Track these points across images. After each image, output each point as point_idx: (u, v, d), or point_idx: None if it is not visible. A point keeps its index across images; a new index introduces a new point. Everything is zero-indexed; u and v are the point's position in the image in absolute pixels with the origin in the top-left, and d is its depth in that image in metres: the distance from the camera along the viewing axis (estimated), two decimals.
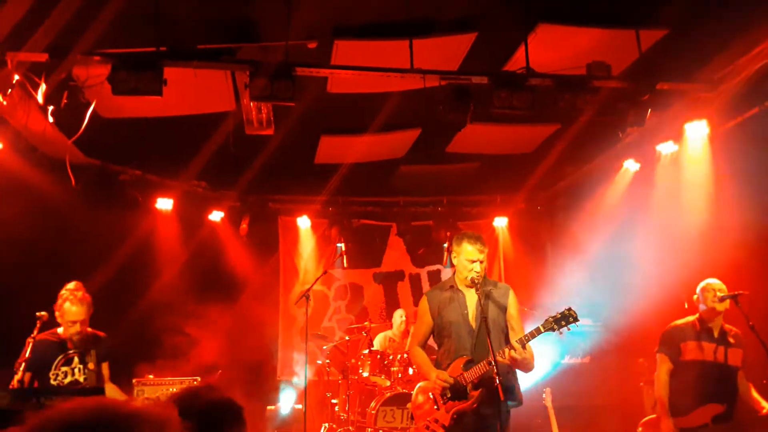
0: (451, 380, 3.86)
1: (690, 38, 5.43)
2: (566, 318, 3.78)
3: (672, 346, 4.69)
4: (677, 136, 6.60)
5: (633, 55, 5.66)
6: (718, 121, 6.19)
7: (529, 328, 3.99)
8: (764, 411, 4.41)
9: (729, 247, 5.70)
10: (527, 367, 3.88)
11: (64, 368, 4.39)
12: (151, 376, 6.25)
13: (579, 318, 3.78)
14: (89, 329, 4.56)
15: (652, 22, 5.33)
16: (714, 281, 4.73)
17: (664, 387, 4.65)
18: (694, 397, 4.51)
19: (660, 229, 6.85)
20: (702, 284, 4.79)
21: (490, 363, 3.61)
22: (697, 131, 6.33)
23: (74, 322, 4.36)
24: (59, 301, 4.39)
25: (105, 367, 4.57)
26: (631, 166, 7.54)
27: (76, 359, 4.43)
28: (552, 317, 3.80)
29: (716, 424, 4.41)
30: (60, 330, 4.46)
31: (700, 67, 5.80)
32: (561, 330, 3.77)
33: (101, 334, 4.65)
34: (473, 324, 3.98)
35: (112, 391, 4.53)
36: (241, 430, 2.08)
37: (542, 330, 3.79)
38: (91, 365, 4.43)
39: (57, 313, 4.39)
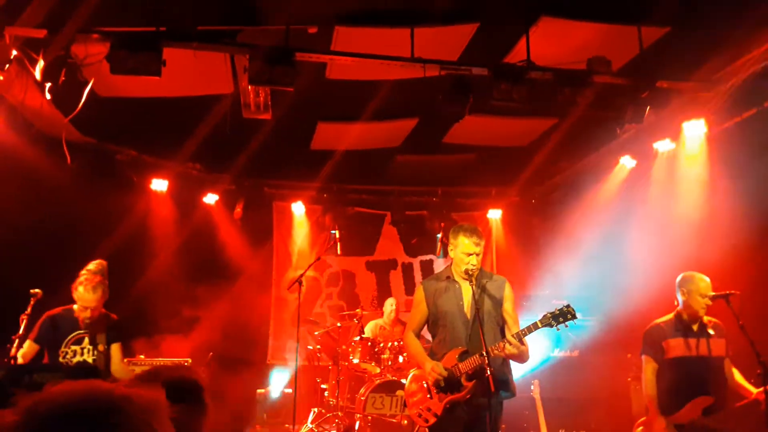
0: (445, 372, 3.88)
1: (691, 37, 5.44)
2: (564, 314, 3.79)
3: (654, 346, 4.70)
4: (675, 135, 6.62)
5: (634, 51, 5.66)
6: (715, 120, 6.21)
7: (523, 319, 4.01)
8: (753, 396, 4.45)
9: (723, 245, 5.73)
10: (522, 359, 3.93)
11: (74, 347, 4.41)
12: (142, 356, 6.29)
13: (576, 316, 3.79)
14: (102, 310, 4.57)
15: (654, 19, 5.33)
16: (697, 274, 4.63)
17: (651, 387, 4.67)
18: (683, 393, 4.54)
19: (654, 226, 6.89)
20: (685, 277, 4.67)
21: (482, 355, 3.63)
22: (695, 130, 6.35)
23: (86, 308, 4.37)
24: (76, 282, 4.39)
25: (115, 348, 4.58)
26: (627, 162, 7.56)
27: (86, 339, 4.44)
28: (550, 313, 3.81)
29: (707, 415, 4.45)
30: (75, 307, 4.46)
31: (699, 66, 5.82)
32: (558, 326, 3.79)
33: (113, 316, 4.66)
34: (468, 315, 4.00)
35: (121, 372, 4.55)
36: (200, 410, 2.08)
37: (540, 325, 3.80)
38: (101, 347, 4.44)
39: (74, 293, 4.39)
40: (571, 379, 7.40)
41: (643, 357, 4.76)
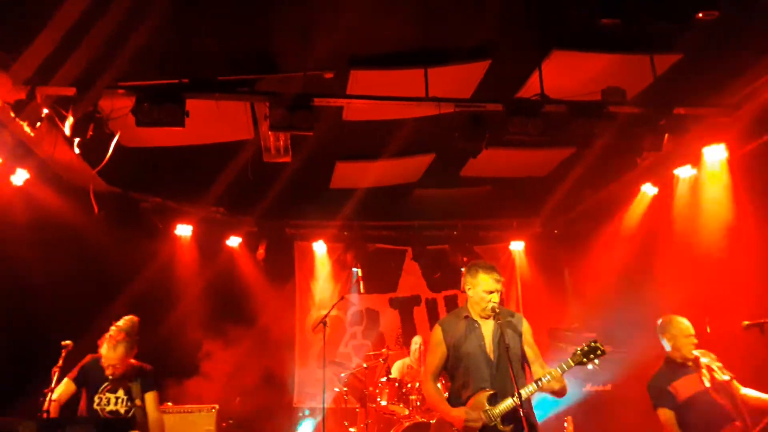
0: (475, 415, 3.76)
1: (705, 62, 5.45)
2: (594, 350, 3.77)
3: (664, 394, 4.58)
4: (695, 160, 6.58)
5: (647, 79, 5.68)
6: (736, 144, 6.17)
7: (553, 352, 3.95)
8: None
9: (750, 271, 5.64)
10: (564, 393, 3.85)
11: (108, 395, 4.43)
12: (170, 404, 6.31)
13: (605, 351, 3.77)
14: (133, 362, 4.58)
15: (666, 47, 5.36)
16: (679, 318, 4.68)
17: None
18: (711, 427, 4.44)
19: (679, 253, 6.79)
20: (665, 319, 4.73)
21: (514, 396, 3.57)
22: (715, 155, 6.31)
23: (108, 365, 4.40)
24: (102, 338, 4.45)
25: (149, 398, 4.57)
26: (648, 190, 7.51)
27: (121, 390, 4.46)
28: (580, 350, 3.78)
29: None
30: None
31: (717, 91, 5.80)
32: (589, 363, 3.75)
33: (147, 366, 4.66)
34: (491, 355, 3.91)
35: (156, 421, 4.54)
36: None
37: (572, 363, 3.76)
38: (138, 401, 4.44)
39: (99, 348, 4.45)
40: (606, 415, 7.23)
41: (658, 411, 4.65)
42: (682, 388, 4.55)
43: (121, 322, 4.51)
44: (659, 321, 4.79)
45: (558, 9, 4.95)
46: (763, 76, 5.52)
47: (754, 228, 5.83)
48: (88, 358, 4.51)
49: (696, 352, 4.63)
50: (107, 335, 4.42)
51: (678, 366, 4.64)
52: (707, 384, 4.51)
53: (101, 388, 4.43)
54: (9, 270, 6.13)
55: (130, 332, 4.48)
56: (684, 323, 4.65)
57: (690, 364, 4.60)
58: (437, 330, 4.12)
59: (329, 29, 5.01)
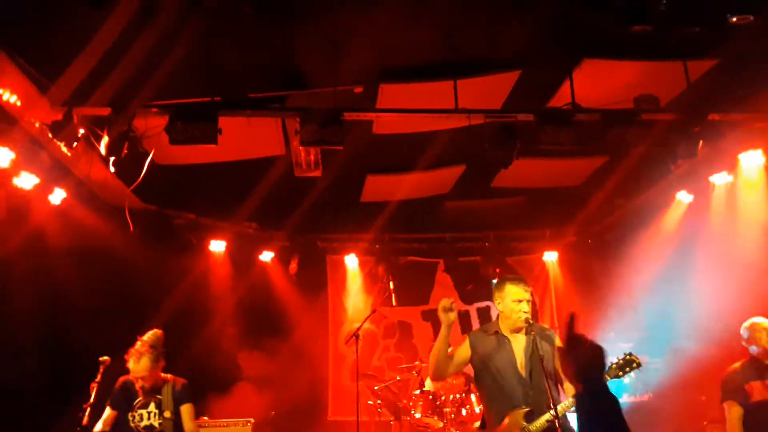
0: None
1: (740, 68, 5.35)
2: (629, 364, 3.71)
3: (738, 391, 4.52)
4: (731, 167, 6.45)
5: (681, 86, 5.59)
6: None
7: None
8: None
9: None
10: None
11: (141, 411, 4.49)
12: (205, 418, 6.36)
13: (641, 363, 3.72)
14: (165, 376, 4.64)
15: (700, 52, 5.27)
16: (762, 320, 4.64)
17: None
18: None
19: (717, 261, 6.64)
20: (747, 324, 4.71)
21: (552, 412, 3.51)
22: (753, 161, 6.18)
23: (136, 378, 4.47)
24: (127, 354, 4.51)
25: (185, 411, 4.60)
26: (684, 197, 7.37)
27: (152, 404, 4.51)
28: (615, 364, 3.72)
29: None
30: None
31: (752, 96, 5.67)
32: (625, 377, 3.69)
33: (180, 379, 4.70)
34: (522, 372, 3.84)
35: None
36: None
37: (608, 378, 3.68)
38: (167, 413, 4.48)
39: (127, 363, 4.52)
40: (644, 426, 7.06)
41: (726, 404, 4.57)
42: (757, 390, 4.47)
43: (145, 336, 4.56)
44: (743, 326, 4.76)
45: (588, 17, 4.90)
46: None
47: None
48: (121, 380, 4.58)
49: None
50: (132, 349, 4.48)
51: (760, 366, 4.56)
52: None
53: (134, 405, 4.50)
54: (48, 288, 6.29)
55: (155, 345, 4.53)
56: (762, 322, 4.63)
57: None
58: (465, 339, 4.11)
59: (358, 44, 5.05)
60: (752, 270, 6.01)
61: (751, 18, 4.37)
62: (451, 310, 3.74)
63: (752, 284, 5.90)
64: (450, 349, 4.05)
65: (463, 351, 4.04)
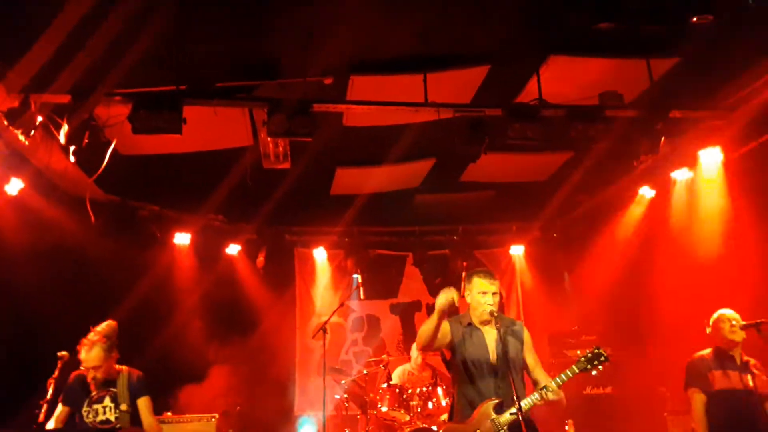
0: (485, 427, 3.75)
1: (701, 66, 5.48)
2: (597, 357, 3.79)
3: (701, 378, 4.63)
4: (692, 163, 6.60)
5: (644, 83, 5.71)
6: (731, 147, 6.20)
7: (554, 357, 3.93)
8: None
9: (747, 273, 5.66)
10: (562, 405, 3.85)
11: (95, 406, 4.35)
12: (169, 414, 6.26)
13: (609, 357, 3.80)
14: (119, 367, 4.52)
15: (662, 51, 5.38)
16: (727, 312, 4.74)
17: (702, 422, 4.58)
18: (730, 428, 4.43)
19: (677, 255, 6.80)
20: (715, 316, 4.80)
21: (518, 405, 3.55)
22: (711, 158, 6.34)
23: (87, 368, 4.33)
24: (79, 345, 4.37)
25: (142, 403, 4.47)
26: (646, 192, 7.54)
27: (107, 398, 4.38)
28: (584, 358, 3.81)
29: None
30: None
31: (712, 94, 5.84)
32: (593, 370, 3.77)
33: (136, 372, 4.57)
34: (495, 363, 3.90)
35: (152, 426, 4.47)
36: None
37: (576, 371, 3.77)
38: (123, 406, 4.36)
39: (78, 355, 4.39)
40: (607, 417, 7.21)
41: (690, 390, 4.68)
42: (719, 379, 4.59)
43: (99, 327, 4.43)
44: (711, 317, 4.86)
45: (555, 14, 4.96)
46: (758, 79, 5.55)
47: (751, 230, 5.85)
48: (74, 375, 4.44)
49: (749, 359, 4.66)
50: (84, 339, 4.35)
51: (723, 356, 4.66)
52: (743, 386, 4.52)
53: (87, 400, 4.36)
54: (4, 280, 6.08)
55: (109, 335, 4.39)
56: (728, 313, 4.71)
57: (738, 362, 4.62)
58: (445, 324, 4.09)
59: (329, 35, 5.01)
60: (710, 264, 6.17)
61: (711, 18, 4.47)
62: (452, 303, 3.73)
63: (710, 277, 6.06)
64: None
65: (445, 331, 4.05)
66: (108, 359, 4.39)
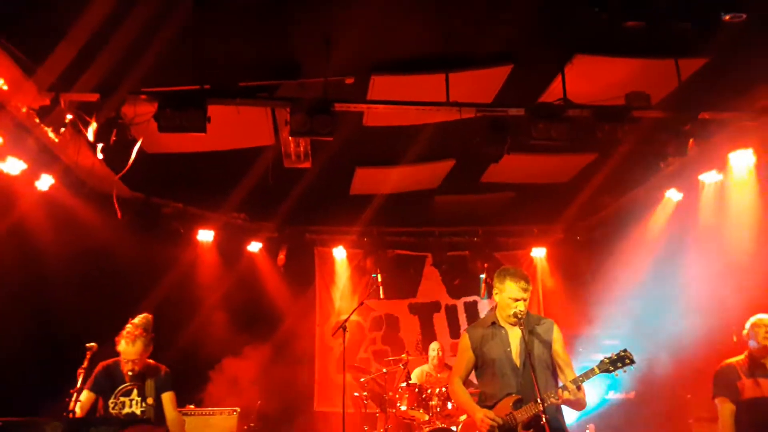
0: (500, 420, 3.75)
1: (731, 67, 5.36)
2: (622, 359, 3.69)
3: (730, 387, 4.52)
4: (721, 166, 6.46)
5: (672, 84, 5.59)
6: (763, 149, 6.05)
7: (575, 360, 3.88)
8: None
9: None
10: (580, 406, 3.79)
11: (123, 398, 4.45)
12: (191, 406, 6.34)
13: (635, 361, 3.68)
14: (150, 362, 4.62)
15: (692, 50, 5.28)
16: (764, 317, 4.58)
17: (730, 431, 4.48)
18: None
19: (705, 260, 6.67)
20: (752, 320, 4.67)
21: (537, 402, 3.52)
22: (742, 160, 6.19)
23: (128, 361, 4.43)
24: (119, 336, 4.47)
25: (167, 398, 4.57)
26: (673, 195, 7.40)
27: (135, 391, 4.48)
28: (608, 358, 3.71)
29: None
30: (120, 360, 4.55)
31: (742, 95, 5.68)
32: (617, 372, 3.69)
33: (163, 367, 4.67)
34: (517, 361, 3.88)
35: (175, 421, 4.54)
36: None
37: (597, 371, 3.69)
38: (150, 399, 4.46)
39: (117, 346, 4.47)
40: (629, 423, 7.11)
41: (718, 399, 4.58)
42: (749, 387, 4.49)
43: (136, 320, 4.53)
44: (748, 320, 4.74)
45: (580, 12, 4.89)
46: None
47: None
48: (102, 365, 4.53)
49: None
50: (124, 333, 4.44)
51: (754, 364, 4.57)
52: None
53: (116, 392, 4.46)
54: (34, 275, 6.23)
55: (147, 328, 4.50)
56: (765, 318, 4.59)
57: None
58: (464, 337, 4.15)
59: (350, 35, 5.01)
60: (740, 269, 6.04)
61: (744, 16, 4.36)
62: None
63: (740, 283, 5.93)
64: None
65: (466, 353, 4.08)
66: (146, 353, 4.51)
